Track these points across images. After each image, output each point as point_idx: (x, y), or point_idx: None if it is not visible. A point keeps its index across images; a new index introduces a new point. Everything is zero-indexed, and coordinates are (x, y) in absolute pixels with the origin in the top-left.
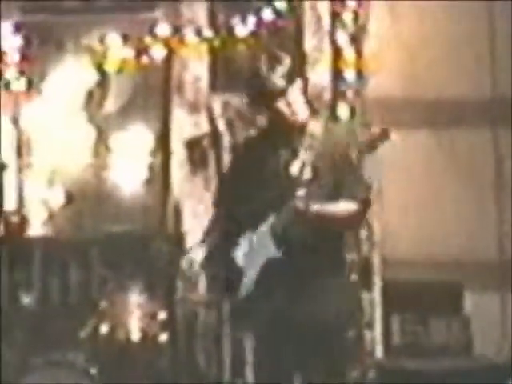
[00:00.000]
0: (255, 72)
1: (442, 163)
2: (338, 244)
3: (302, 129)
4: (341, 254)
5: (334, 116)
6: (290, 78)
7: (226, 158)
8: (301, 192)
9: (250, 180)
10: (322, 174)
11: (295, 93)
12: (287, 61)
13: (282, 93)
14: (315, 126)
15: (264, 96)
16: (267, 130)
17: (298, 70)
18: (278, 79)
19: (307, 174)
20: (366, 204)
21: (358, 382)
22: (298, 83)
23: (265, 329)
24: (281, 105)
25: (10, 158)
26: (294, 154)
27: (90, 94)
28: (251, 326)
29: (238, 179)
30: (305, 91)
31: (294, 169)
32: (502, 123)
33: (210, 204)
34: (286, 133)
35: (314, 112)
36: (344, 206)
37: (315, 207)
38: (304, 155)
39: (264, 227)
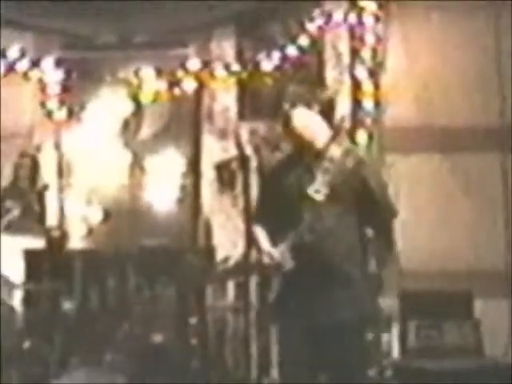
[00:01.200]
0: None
1: (454, 185)
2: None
3: (321, 153)
4: (365, 265)
5: (353, 141)
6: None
7: (253, 179)
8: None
9: (276, 200)
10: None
11: (317, 120)
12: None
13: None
14: (335, 151)
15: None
16: (291, 154)
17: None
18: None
19: (322, 195)
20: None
21: (376, 381)
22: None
23: (290, 330)
24: (303, 131)
25: (51, 179)
26: (312, 176)
27: (126, 123)
28: (279, 326)
29: (268, 199)
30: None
31: (311, 190)
32: (509, 148)
33: (237, 220)
34: (307, 157)
35: (334, 138)
36: None
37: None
38: (321, 177)
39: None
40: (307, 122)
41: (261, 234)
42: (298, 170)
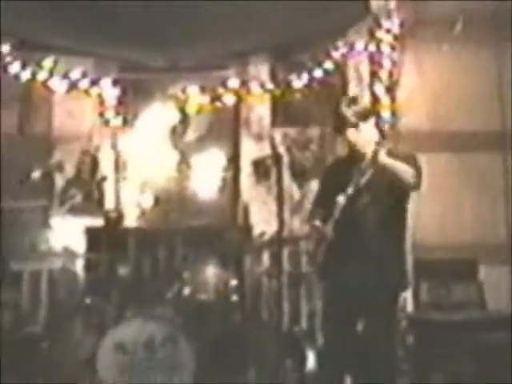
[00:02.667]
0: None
1: (460, 179)
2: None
3: (363, 155)
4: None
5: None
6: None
7: (285, 173)
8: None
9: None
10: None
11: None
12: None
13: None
14: (379, 155)
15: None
16: (345, 157)
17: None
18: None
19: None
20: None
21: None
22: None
23: (333, 289)
24: (353, 136)
25: (109, 173)
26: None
27: (173, 129)
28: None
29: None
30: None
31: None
32: (509, 149)
33: (271, 204)
34: (357, 159)
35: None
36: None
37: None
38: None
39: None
40: (356, 135)
41: (317, 214)
42: (349, 168)
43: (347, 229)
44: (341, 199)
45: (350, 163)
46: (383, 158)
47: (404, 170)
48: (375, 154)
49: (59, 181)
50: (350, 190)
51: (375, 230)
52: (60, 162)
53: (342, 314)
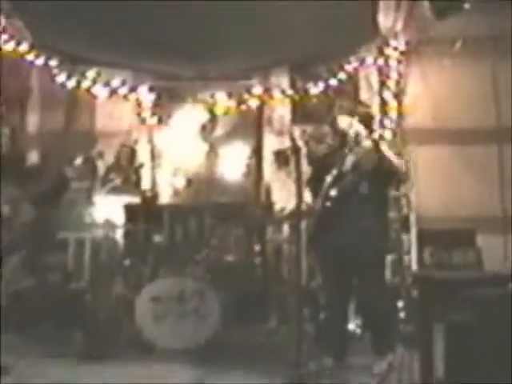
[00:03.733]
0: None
1: (460, 169)
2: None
3: (358, 143)
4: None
5: (381, 138)
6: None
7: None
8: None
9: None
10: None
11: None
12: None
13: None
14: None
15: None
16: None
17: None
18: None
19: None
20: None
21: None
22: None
23: (330, 255)
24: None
25: (146, 160)
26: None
27: (203, 126)
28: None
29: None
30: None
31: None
32: (504, 142)
33: (291, 185)
34: (346, 146)
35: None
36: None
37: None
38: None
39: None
40: (349, 123)
41: (308, 194)
42: (337, 155)
43: (335, 203)
44: (328, 178)
45: (337, 148)
46: (384, 148)
47: (398, 161)
48: (376, 143)
49: (101, 167)
50: (335, 172)
51: (360, 204)
52: (100, 151)
53: (332, 275)
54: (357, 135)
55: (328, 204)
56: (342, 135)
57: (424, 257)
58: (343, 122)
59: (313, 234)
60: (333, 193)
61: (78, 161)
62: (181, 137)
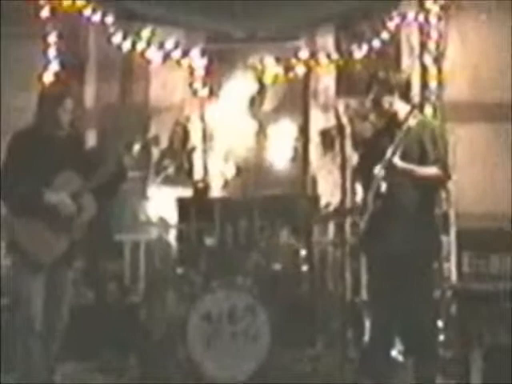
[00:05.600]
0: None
1: (498, 149)
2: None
3: (402, 124)
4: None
5: (422, 113)
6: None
7: (348, 143)
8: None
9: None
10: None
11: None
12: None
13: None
14: (412, 121)
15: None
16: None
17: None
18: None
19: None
20: (444, 172)
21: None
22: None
23: (375, 261)
24: (387, 106)
25: (198, 143)
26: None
27: (252, 99)
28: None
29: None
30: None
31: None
32: None
33: (336, 174)
34: (392, 127)
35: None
36: (430, 170)
37: (410, 166)
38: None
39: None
40: (391, 103)
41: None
42: (384, 139)
43: (386, 200)
44: (378, 170)
45: (385, 134)
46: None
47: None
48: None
49: (155, 153)
50: (384, 162)
51: (411, 201)
52: (156, 136)
53: (380, 290)
54: (405, 118)
55: (379, 202)
56: (386, 116)
57: (463, 264)
58: (386, 101)
59: (363, 237)
60: (383, 188)
61: (137, 147)
62: (231, 113)
